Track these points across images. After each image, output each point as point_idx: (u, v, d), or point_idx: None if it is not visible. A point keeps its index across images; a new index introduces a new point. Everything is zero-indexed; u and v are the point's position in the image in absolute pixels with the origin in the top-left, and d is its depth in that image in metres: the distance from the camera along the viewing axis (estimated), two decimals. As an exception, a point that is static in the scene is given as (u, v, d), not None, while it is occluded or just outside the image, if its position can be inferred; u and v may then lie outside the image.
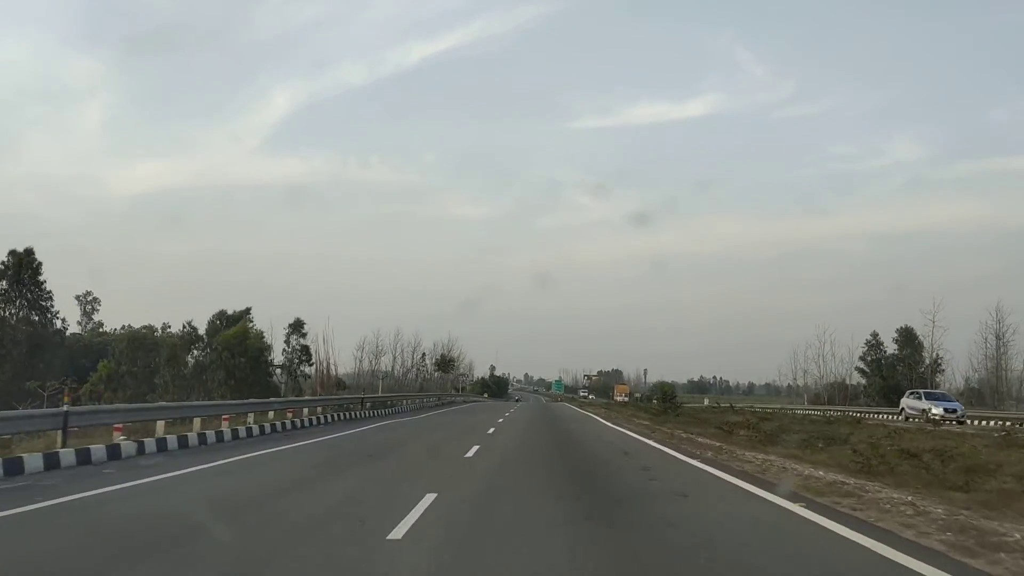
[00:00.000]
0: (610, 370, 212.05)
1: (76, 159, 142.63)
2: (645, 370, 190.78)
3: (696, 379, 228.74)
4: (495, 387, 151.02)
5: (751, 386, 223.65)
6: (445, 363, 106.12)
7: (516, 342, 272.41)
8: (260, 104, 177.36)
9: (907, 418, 39.58)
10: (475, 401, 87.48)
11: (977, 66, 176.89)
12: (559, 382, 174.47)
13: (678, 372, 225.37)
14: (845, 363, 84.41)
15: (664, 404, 46.31)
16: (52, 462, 13.16)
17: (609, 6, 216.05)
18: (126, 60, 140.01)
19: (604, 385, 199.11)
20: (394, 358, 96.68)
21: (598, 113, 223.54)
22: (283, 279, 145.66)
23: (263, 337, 58.73)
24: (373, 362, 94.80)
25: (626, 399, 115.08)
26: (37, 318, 58.54)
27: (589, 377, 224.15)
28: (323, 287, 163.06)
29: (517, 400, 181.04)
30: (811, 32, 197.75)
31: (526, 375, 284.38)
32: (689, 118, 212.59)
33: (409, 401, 58.08)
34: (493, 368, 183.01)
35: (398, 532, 7.63)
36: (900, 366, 65.39)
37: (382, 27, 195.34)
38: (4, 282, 56.26)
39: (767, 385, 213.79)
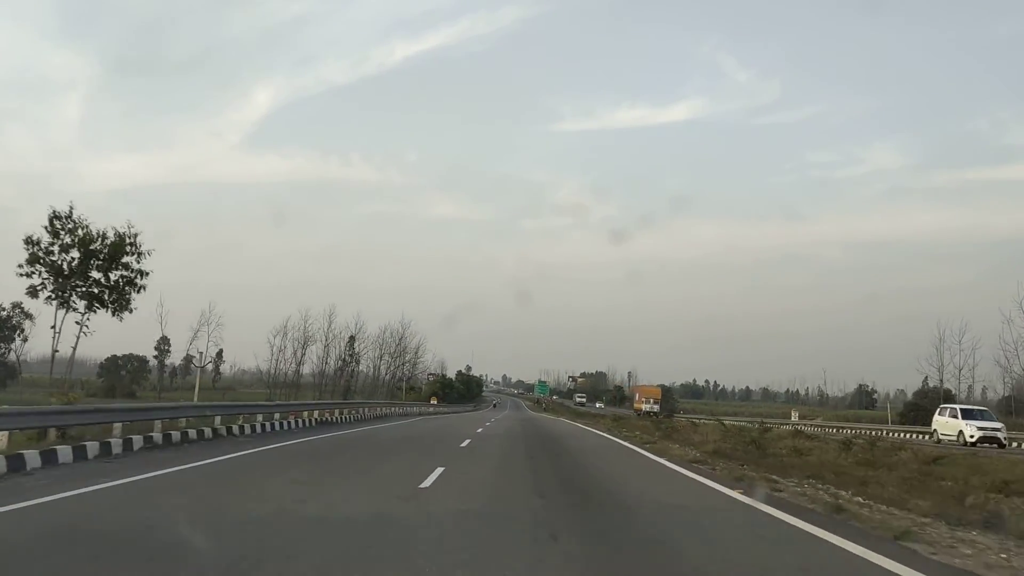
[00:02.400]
0: (594, 372, 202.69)
1: (53, 153, 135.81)
2: (629, 372, 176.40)
3: (689, 382, 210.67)
4: (463, 388, 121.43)
5: (748, 391, 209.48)
6: None
7: (495, 343, 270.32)
8: (241, 101, 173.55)
9: None
10: (383, 420, 38.85)
11: (957, 77, 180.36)
12: (543, 384, 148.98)
13: (667, 375, 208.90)
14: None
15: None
16: None
17: (593, 10, 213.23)
18: (105, 55, 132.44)
19: (592, 388, 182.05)
20: (326, 347, 74.02)
21: (581, 116, 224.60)
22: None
23: None
24: (298, 352, 72.68)
25: (654, 408, 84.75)
26: None
27: (574, 379, 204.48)
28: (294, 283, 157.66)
29: (494, 405, 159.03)
30: (794, 39, 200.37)
31: (504, 376, 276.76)
32: (672, 122, 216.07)
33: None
34: (469, 368, 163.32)
35: None
36: None
37: (365, 26, 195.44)
38: None
39: (764, 390, 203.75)
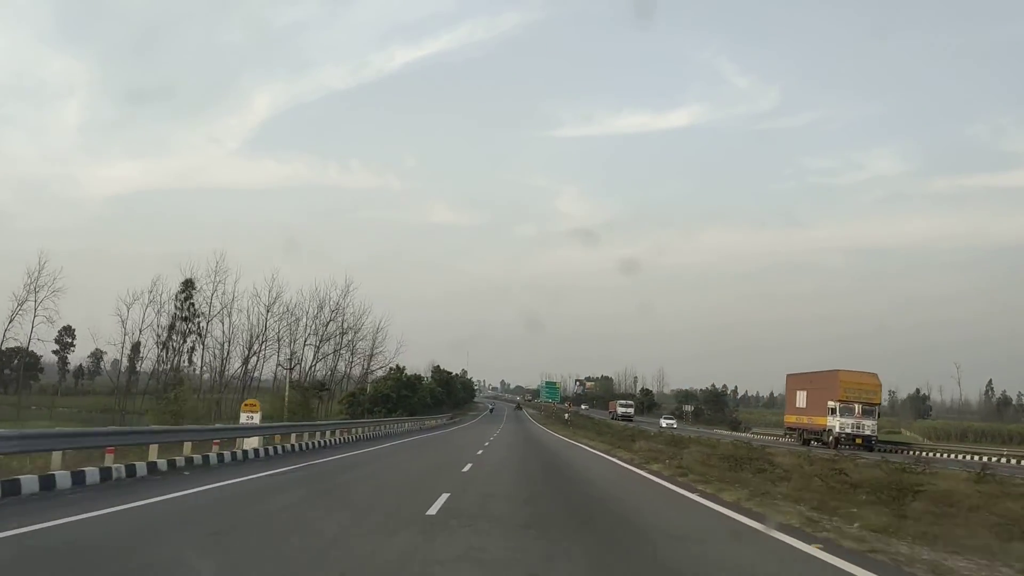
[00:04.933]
0: (599, 376, 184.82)
1: (52, 158, 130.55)
2: (635, 377, 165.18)
3: (707, 388, 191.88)
4: (440, 392, 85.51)
5: (772, 398, 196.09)
6: None
7: (492, 349, 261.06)
8: (241, 107, 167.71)
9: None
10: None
11: (956, 82, 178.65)
12: (552, 385, 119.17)
13: (680, 380, 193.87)
14: None
15: None
16: None
17: (594, 15, 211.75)
18: (104, 60, 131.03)
19: (607, 392, 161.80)
20: (206, 325, 49.67)
21: (581, 122, 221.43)
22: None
23: None
24: (179, 338, 48.53)
25: (865, 428, 41.85)
26: None
27: (582, 383, 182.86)
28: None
29: (491, 410, 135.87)
30: (795, 45, 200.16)
31: (503, 382, 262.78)
32: (673, 128, 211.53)
33: None
34: (465, 372, 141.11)
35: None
36: None
37: (365, 31, 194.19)
38: None
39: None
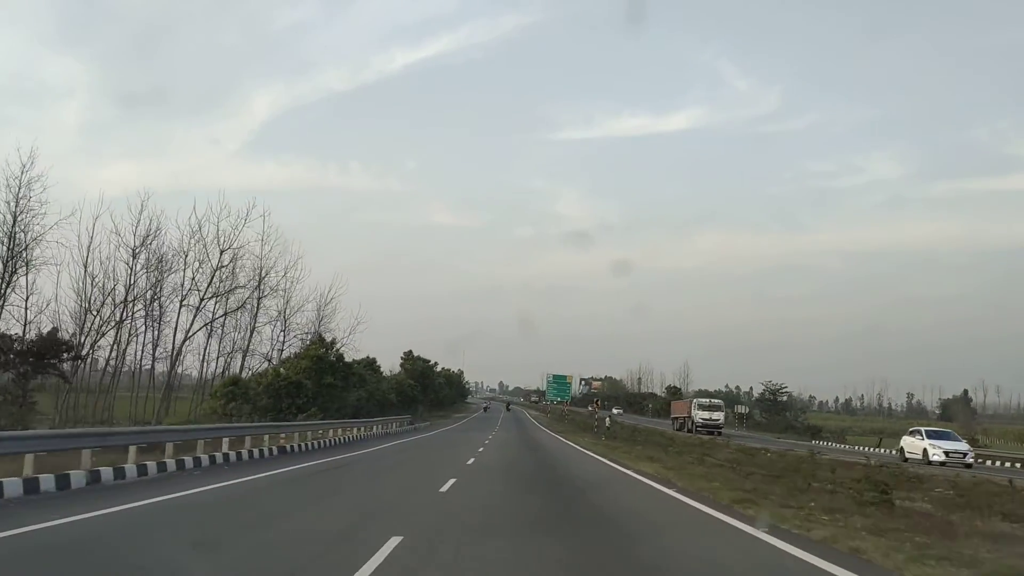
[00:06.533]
0: (603, 377, 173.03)
1: (51, 160, 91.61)
2: (639, 379, 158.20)
3: (720, 389, 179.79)
4: (411, 387, 62.62)
5: (791, 399, 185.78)
6: None
7: (491, 351, 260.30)
8: (240, 108, 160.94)
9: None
10: None
11: (956, 86, 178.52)
12: (561, 380, 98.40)
13: (695, 381, 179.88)
14: None
15: None
16: None
17: (593, 18, 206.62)
18: (103, 61, 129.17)
19: (617, 392, 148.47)
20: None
21: (581, 125, 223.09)
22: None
23: None
24: None
25: None
26: None
27: (588, 382, 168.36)
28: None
29: (485, 408, 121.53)
30: (795, 48, 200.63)
31: (501, 383, 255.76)
32: (673, 131, 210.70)
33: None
34: (461, 372, 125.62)
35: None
36: None
37: (365, 33, 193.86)
38: None
39: (809, 399, 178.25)
